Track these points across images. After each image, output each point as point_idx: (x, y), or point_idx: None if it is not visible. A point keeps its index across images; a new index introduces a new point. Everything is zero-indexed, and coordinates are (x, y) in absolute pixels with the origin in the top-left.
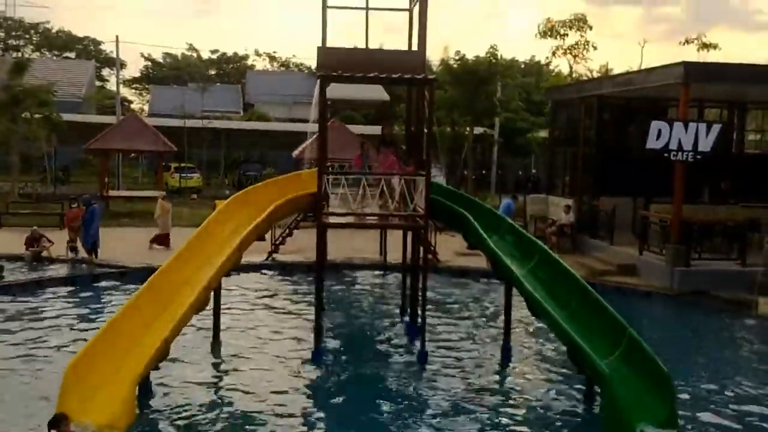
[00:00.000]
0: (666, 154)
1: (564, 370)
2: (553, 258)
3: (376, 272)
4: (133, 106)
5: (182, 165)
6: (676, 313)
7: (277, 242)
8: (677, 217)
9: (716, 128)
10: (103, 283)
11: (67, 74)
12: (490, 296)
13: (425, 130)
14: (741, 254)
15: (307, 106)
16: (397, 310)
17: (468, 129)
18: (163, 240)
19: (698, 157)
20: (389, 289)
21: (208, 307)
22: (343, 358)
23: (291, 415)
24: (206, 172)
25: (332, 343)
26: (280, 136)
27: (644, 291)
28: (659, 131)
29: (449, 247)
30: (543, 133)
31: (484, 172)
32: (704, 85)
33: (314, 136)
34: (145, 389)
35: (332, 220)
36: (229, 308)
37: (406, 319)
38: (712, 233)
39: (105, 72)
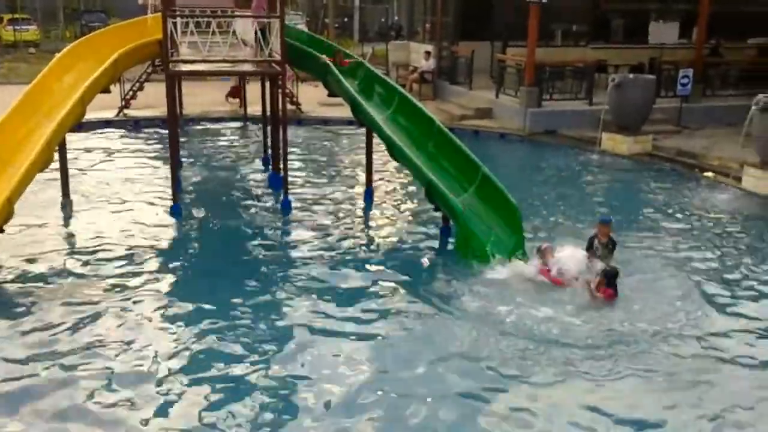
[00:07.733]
0: None
1: (422, 209)
2: (412, 103)
3: (236, 125)
4: None
5: (16, 16)
6: (527, 152)
7: (128, 96)
8: (531, 60)
9: None
10: None
11: None
12: (352, 144)
13: None
14: (588, 94)
15: None
16: (260, 163)
17: None
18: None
19: None
20: (251, 142)
21: (54, 166)
22: (204, 210)
23: (146, 265)
24: (44, 23)
25: (192, 198)
26: None
27: (499, 133)
28: None
29: (311, 97)
30: None
31: (346, 19)
32: None
33: None
34: None
35: (183, 68)
36: (78, 166)
37: (269, 170)
38: (563, 75)
39: None
